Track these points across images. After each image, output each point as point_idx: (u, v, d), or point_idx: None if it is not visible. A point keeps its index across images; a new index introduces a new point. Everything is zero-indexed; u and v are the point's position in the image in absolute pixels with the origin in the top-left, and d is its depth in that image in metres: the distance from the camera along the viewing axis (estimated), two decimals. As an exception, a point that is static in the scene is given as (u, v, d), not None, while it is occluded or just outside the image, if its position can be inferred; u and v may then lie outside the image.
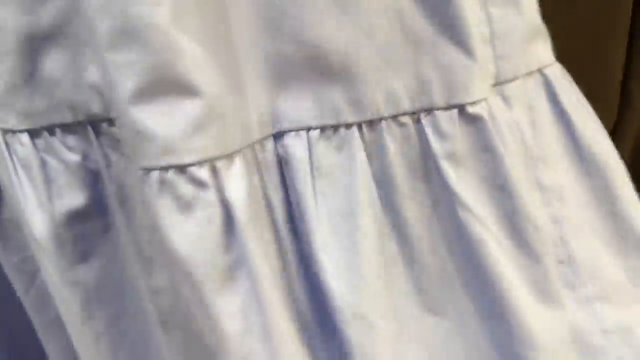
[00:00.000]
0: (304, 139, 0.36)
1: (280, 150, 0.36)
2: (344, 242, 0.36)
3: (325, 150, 0.36)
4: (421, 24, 0.34)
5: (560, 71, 0.41)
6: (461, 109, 0.35)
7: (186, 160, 0.32)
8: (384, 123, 0.36)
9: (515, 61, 0.39)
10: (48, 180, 0.37)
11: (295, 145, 0.36)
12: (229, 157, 0.33)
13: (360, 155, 0.36)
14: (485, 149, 0.36)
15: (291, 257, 0.37)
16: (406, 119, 0.36)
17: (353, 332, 0.36)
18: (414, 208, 0.37)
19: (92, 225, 0.38)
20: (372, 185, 0.37)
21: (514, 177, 0.36)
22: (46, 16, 0.34)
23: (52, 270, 0.38)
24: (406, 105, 0.36)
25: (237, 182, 0.33)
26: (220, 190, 0.33)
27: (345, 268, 0.36)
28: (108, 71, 0.31)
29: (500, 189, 0.36)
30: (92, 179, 0.38)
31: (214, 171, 0.32)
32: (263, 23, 0.33)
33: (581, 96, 0.41)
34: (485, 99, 0.36)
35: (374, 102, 0.35)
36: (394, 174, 0.37)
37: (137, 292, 0.39)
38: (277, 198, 0.36)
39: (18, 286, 0.43)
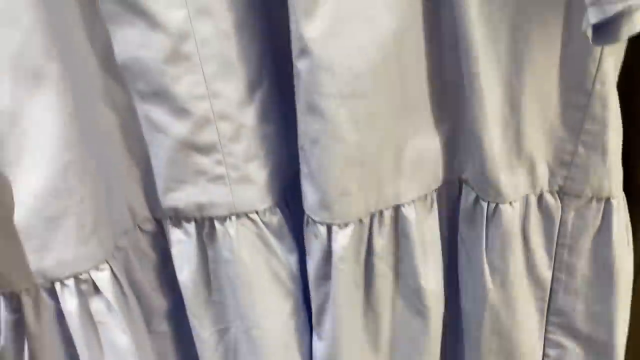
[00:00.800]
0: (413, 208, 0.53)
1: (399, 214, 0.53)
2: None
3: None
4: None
5: (623, 202, 0.53)
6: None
7: (317, 219, 0.51)
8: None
9: (582, 185, 0.53)
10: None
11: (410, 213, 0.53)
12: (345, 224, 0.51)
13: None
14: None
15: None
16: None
17: None
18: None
19: None
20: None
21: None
22: None
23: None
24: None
25: (345, 237, 0.51)
26: (329, 240, 0.51)
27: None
28: None
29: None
30: None
31: (329, 230, 0.51)
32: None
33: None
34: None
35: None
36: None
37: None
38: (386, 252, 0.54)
39: (201, 354, 0.56)
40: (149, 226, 0.54)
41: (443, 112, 0.52)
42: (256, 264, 0.52)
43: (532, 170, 0.53)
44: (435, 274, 0.55)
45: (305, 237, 0.53)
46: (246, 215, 0.51)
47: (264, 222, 0.52)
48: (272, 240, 0.53)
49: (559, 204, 0.55)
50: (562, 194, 0.54)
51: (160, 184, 0.50)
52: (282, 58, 0.48)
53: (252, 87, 0.48)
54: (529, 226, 0.55)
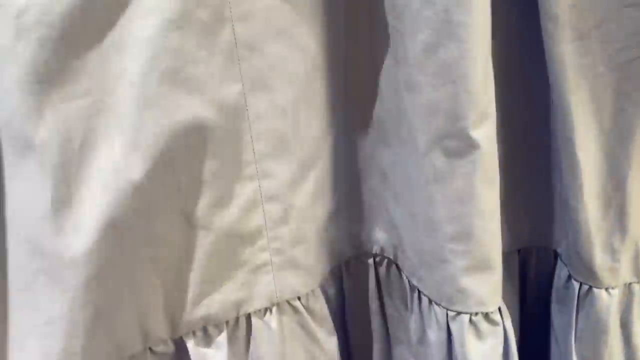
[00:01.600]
0: None
1: None
2: None
3: None
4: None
5: None
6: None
7: (490, 309, 0.44)
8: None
9: None
10: None
11: None
12: None
13: None
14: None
15: None
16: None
17: None
18: None
19: None
20: None
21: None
22: None
23: None
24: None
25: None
26: (504, 328, 0.45)
27: None
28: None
29: None
30: None
31: (501, 315, 0.45)
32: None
33: None
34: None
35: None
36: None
37: None
38: None
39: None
40: (162, 347, 0.43)
41: (526, 172, 0.48)
42: (296, 354, 0.46)
43: (637, 257, 0.47)
44: None
45: (474, 344, 0.45)
46: (288, 302, 0.45)
47: (305, 307, 0.46)
48: (313, 326, 0.47)
49: (671, 299, 0.48)
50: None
51: (191, 292, 0.42)
52: (344, 136, 0.45)
53: (306, 166, 0.44)
54: (632, 320, 0.48)
